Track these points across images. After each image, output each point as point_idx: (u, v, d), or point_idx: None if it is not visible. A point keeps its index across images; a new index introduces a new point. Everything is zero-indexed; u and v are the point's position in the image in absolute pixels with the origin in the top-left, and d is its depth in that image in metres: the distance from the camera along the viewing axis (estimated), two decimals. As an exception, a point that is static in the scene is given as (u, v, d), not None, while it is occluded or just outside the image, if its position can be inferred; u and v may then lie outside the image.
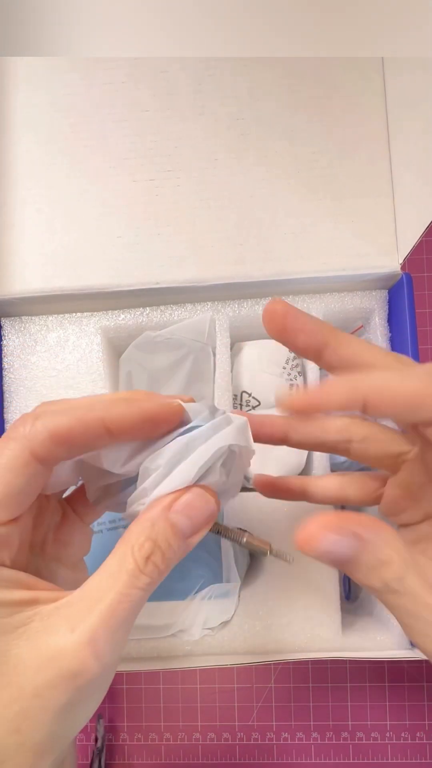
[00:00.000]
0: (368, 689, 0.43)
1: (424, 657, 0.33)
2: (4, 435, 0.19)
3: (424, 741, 0.43)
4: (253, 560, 0.38)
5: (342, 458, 0.38)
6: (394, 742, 0.43)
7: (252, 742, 0.43)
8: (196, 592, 0.35)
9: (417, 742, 0.43)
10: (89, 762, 0.42)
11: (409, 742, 0.43)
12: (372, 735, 0.43)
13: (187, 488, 0.20)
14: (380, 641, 0.35)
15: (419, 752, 0.43)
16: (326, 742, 0.43)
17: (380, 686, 0.43)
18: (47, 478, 0.20)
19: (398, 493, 0.25)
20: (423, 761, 0.43)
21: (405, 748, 0.43)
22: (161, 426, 0.21)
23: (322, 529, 0.19)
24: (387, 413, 0.20)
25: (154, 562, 0.19)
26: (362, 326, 0.38)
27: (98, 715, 0.43)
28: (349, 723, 0.43)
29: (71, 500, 0.26)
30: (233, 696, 0.44)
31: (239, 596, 0.35)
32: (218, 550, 0.35)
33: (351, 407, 0.20)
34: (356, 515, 0.19)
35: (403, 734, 0.43)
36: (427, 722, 0.43)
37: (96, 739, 0.42)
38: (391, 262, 0.35)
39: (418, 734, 0.43)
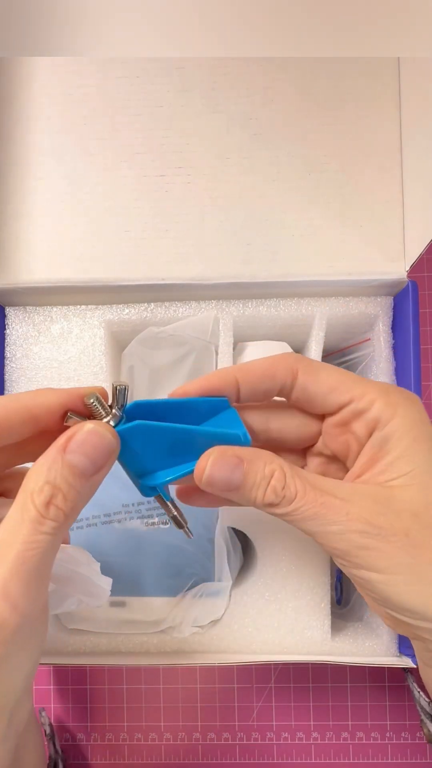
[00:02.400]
0: (368, 689, 0.43)
1: (412, 665, 0.33)
2: None
3: (424, 741, 0.43)
4: (245, 560, 0.38)
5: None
6: (394, 742, 0.43)
7: (252, 742, 0.43)
8: (188, 590, 0.35)
9: (417, 742, 0.43)
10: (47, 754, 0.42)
11: (409, 742, 0.43)
12: (372, 735, 0.43)
13: (81, 425, 0.20)
14: (369, 647, 0.35)
15: (419, 752, 0.43)
16: (326, 742, 0.43)
17: (380, 686, 0.43)
18: None
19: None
20: (423, 761, 0.43)
21: (405, 748, 0.43)
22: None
23: (209, 458, 0.22)
24: (253, 384, 0.24)
25: (56, 505, 0.18)
26: (369, 339, 0.38)
27: (40, 709, 0.43)
28: (349, 723, 0.43)
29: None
30: (233, 696, 0.44)
31: (230, 596, 0.35)
32: (211, 548, 0.36)
33: (225, 386, 0.24)
34: (237, 447, 0.22)
35: (403, 734, 0.43)
36: None
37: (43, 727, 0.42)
38: (397, 268, 0.35)
39: (418, 734, 0.43)
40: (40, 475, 0.19)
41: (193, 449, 0.23)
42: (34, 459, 0.21)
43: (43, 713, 0.42)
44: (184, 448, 0.23)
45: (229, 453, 0.22)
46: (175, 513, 0.25)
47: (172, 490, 0.27)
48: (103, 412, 0.21)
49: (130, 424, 0.22)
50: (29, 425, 0.20)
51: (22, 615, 0.17)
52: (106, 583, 0.26)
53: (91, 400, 0.21)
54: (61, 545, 0.23)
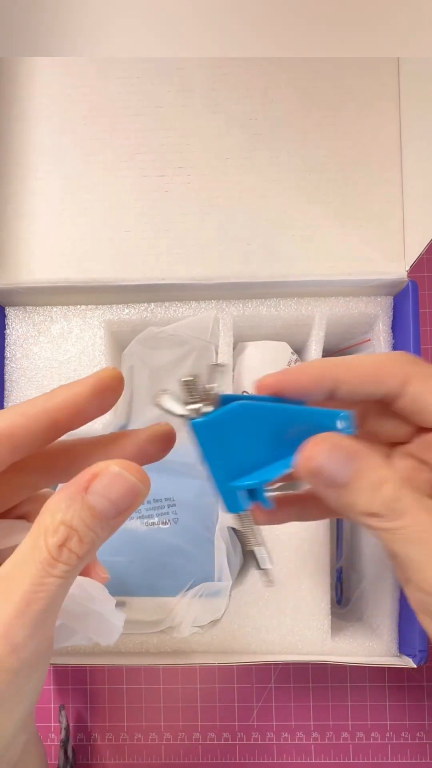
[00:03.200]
0: (368, 689, 0.44)
1: (411, 665, 0.33)
2: None
3: (424, 741, 0.43)
4: (245, 560, 0.38)
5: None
6: (394, 742, 0.43)
7: (252, 742, 0.43)
8: (188, 590, 0.35)
9: (417, 742, 0.43)
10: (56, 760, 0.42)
11: (409, 742, 0.43)
12: (372, 735, 0.43)
13: (107, 464, 0.18)
14: (369, 647, 0.35)
15: (419, 752, 0.43)
16: (326, 742, 0.43)
17: (380, 686, 0.43)
18: None
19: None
20: (423, 761, 0.43)
21: (405, 748, 0.43)
22: (107, 395, 0.20)
23: (322, 444, 0.19)
24: (356, 386, 0.21)
25: (70, 548, 0.17)
26: (369, 339, 0.38)
27: (60, 706, 0.43)
28: (349, 723, 0.43)
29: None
30: (233, 696, 0.44)
31: (230, 595, 0.35)
32: (211, 548, 0.36)
33: (323, 383, 0.21)
34: (350, 439, 0.20)
35: (403, 734, 0.43)
36: (427, 722, 0.43)
37: (60, 731, 0.42)
38: (397, 268, 0.35)
39: (418, 734, 0.43)
40: (57, 513, 0.17)
41: (290, 440, 0.20)
42: (65, 479, 0.19)
43: (63, 713, 0.42)
44: (282, 438, 0.20)
45: (344, 443, 0.19)
46: (261, 543, 0.22)
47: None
48: (197, 396, 0.19)
49: (231, 406, 0.19)
50: (51, 430, 0.19)
51: (22, 659, 0.17)
52: (119, 619, 0.23)
53: (188, 379, 0.19)
54: (77, 578, 0.21)
